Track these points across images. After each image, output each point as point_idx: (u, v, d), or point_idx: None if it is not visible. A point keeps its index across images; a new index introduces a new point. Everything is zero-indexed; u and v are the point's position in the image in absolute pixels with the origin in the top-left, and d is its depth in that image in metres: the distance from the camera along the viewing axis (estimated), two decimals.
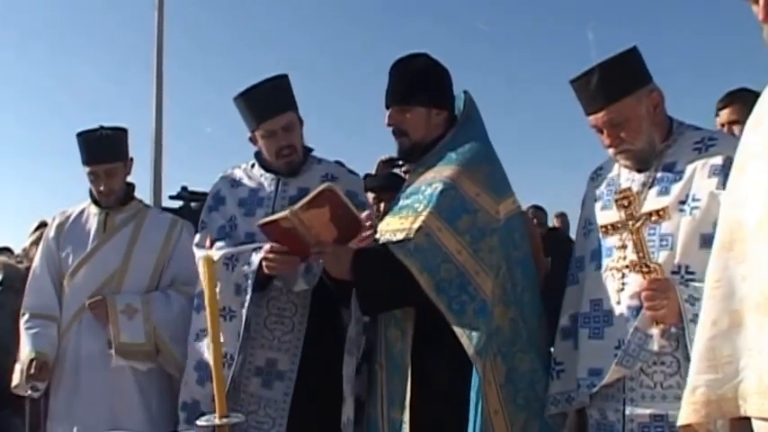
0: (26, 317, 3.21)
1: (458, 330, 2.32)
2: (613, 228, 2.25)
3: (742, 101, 3.58)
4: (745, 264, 1.63)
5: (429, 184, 2.54)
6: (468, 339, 2.30)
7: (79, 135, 3.23)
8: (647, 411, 2.16)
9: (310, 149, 2.98)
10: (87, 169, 3.24)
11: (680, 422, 1.70)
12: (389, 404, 2.50)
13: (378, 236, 2.58)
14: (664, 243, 2.18)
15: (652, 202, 2.23)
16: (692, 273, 2.13)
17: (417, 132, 2.65)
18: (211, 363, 2.18)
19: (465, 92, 2.75)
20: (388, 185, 3.63)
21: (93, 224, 3.28)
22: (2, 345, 3.40)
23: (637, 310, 2.17)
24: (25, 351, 3.12)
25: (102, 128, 3.23)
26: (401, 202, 2.63)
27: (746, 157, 1.71)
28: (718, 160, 2.16)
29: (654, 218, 2.17)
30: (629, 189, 2.25)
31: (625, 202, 2.20)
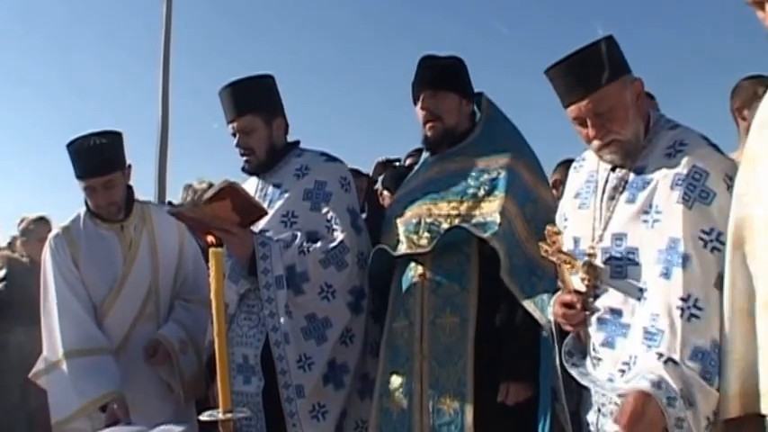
0: (66, 360, 2.96)
1: (529, 306, 2.41)
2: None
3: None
4: (755, 262, 1.67)
5: (483, 170, 2.63)
6: (540, 312, 2.38)
7: (69, 146, 2.98)
8: None
9: (294, 144, 3.06)
10: (83, 184, 3.02)
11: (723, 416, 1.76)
12: (437, 394, 2.52)
13: (416, 219, 2.66)
14: (630, 257, 2.08)
15: (621, 208, 2.16)
16: None
17: (451, 118, 2.72)
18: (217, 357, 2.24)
19: (481, 93, 2.85)
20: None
21: (112, 243, 3.13)
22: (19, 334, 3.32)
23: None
24: (90, 394, 2.93)
25: (93, 135, 2.98)
26: (440, 187, 2.69)
27: (755, 156, 1.75)
28: (683, 170, 2.03)
29: (567, 258, 2.17)
30: (554, 225, 2.28)
31: (549, 242, 2.21)
